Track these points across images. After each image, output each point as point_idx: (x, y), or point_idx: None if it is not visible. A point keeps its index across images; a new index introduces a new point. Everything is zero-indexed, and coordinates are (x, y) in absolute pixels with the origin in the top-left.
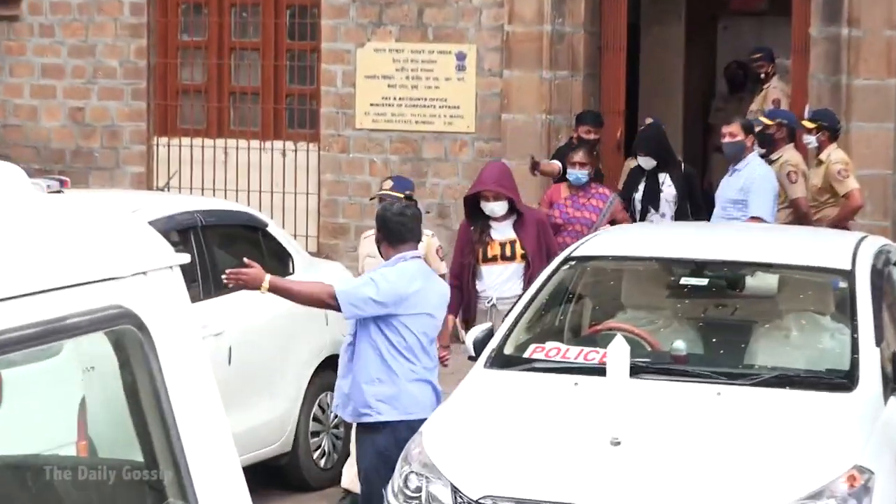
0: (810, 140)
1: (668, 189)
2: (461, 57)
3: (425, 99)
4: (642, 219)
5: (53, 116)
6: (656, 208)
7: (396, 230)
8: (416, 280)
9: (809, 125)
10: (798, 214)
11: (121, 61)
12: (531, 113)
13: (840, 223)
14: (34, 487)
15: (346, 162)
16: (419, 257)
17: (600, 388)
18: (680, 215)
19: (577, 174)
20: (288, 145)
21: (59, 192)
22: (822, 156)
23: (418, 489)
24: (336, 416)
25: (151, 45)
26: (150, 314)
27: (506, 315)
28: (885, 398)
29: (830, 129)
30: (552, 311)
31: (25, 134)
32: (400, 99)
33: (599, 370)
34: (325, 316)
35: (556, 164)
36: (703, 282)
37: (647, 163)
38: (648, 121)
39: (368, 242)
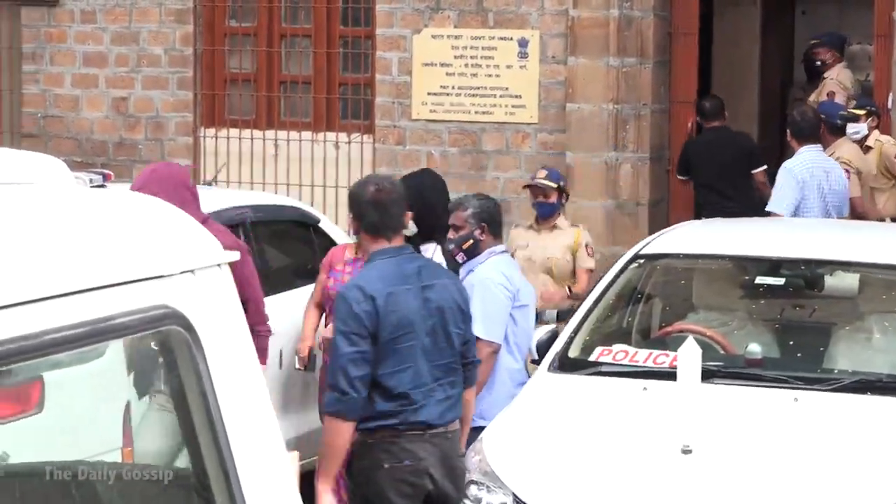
0: (859, 129)
1: None
2: (523, 43)
3: (485, 88)
4: None
5: (96, 107)
6: None
7: (500, 223)
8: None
9: (859, 112)
10: (854, 215)
11: (166, 49)
12: (597, 102)
13: None
14: (78, 494)
15: (402, 154)
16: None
17: (670, 394)
18: None
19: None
20: (341, 137)
21: (102, 186)
22: (870, 141)
23: (478, 499)
24: None
25: (198, 32)
26: (197, 314)
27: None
28: None
29: (877, 112)
30: (619, 311)
31: (67, 125)
32: (459, 88)
33: (669, 374)
34: None
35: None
36: (780, 281)
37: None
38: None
39: (519, 234)
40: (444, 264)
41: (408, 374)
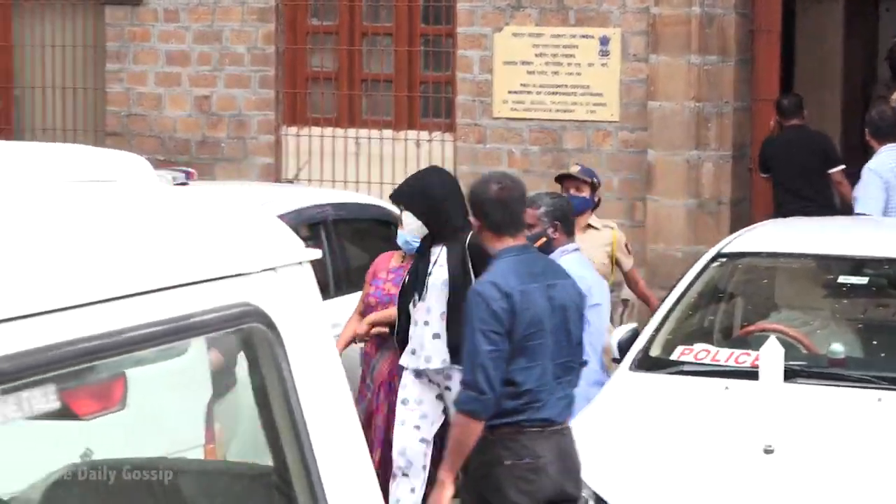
0: None
1: (438, 270)
2: (605, 41)
3: (566, 86)
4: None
5: (179, 105)
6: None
7: (572, 221)
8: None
9: None
10: None
11: (248, 47)
12: (679, 100)
13: None
14: (161, 491)
15: (483, 153)
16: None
17: (752, 393)
18: None
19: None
20: (422, 135)
21: (184, 184)
22: None
23: None
24: None
25: (280, 31)
26: (279, 312)
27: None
28: None
29: None
30: (701, 310)
31: (150, 124)
32: (540, 86)
33: (751, 374)
34: None
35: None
36: (863, 280)
37: (410, 226)
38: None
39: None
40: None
41: (535, 372)
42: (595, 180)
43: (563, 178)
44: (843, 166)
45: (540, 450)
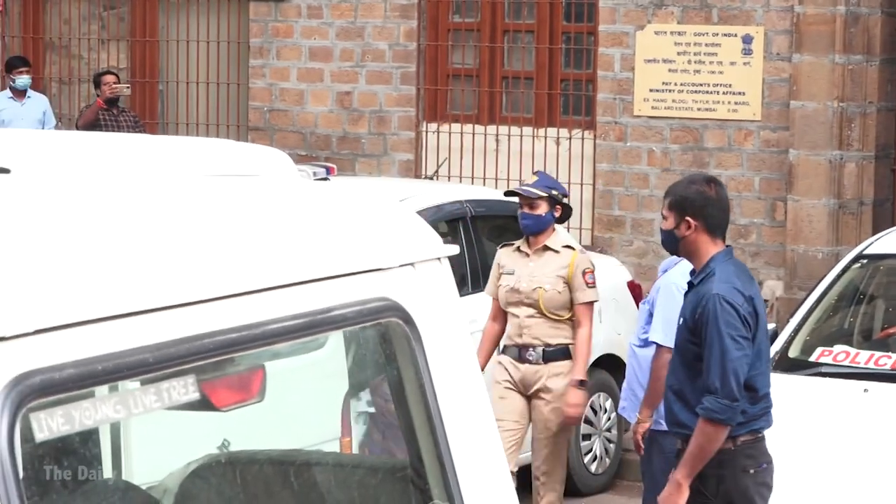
0: None
1: None
2: (748, 40)
3: (708, 85)
4: None
5: (320, 101)
6: None
7: None
8: None
9: None
10: None
11: (390, 44)
12: (822, 100)
13: None
14: (296, 483)
15: (623, 151)
16: None
17: (893, 396)
18: None
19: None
20: (562, 133)
21: (325, 179)
22: None
23: None
24: (609, 419)
25: (422, 27)
26: (417, 307)
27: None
28: None
29: None
30: (841, 312)
31: (292, 119)
32: (681, 84)
33: (892, 376)
34: (598, 313)
35: None
36: None
37: None
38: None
39: (504, 257)
40: None
41: (767, 376)
42: (555, 192)
43: (513, 194)
44: None
45: (769, 452)
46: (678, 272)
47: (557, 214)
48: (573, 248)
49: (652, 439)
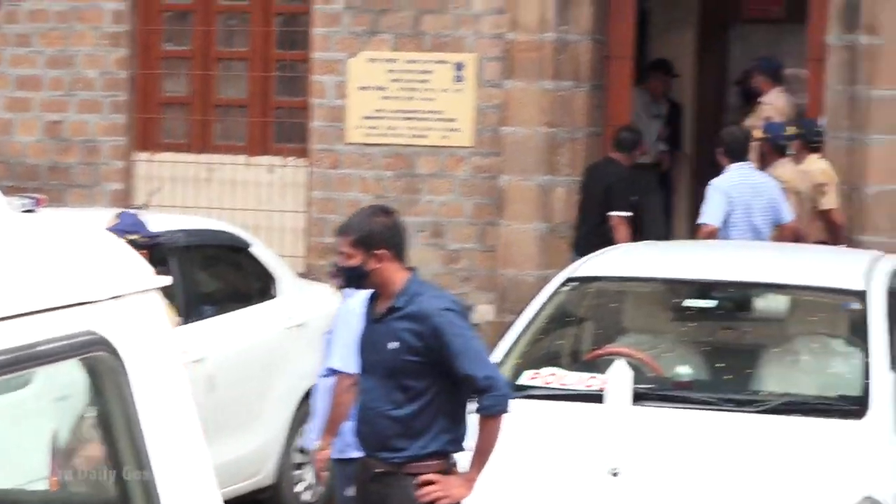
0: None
1: None
2: (460, 67)
3: (421, 111)
4: None
5: (29, 131)
6: None
7: None
8: None
9: (791, 131)
10: (790, 237)
11: (101, 72)
12: (532, 126)
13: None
14: None
15: (337, 178)
16: None
17: (600, 416)
18: None
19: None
20: (276, 161)
21: (32, 210)
22: (803, 166)
23: None
24: None
25: (133, 56)
26: (125, 340)
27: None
28: None
29: (804, 137)
30: (551, 334)
31: None
32: (394, 111)
33: (600, 397)
34: (307, 342)
35: None
36: (710, 304)
37: None
38: None
39: None
40: None
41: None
42: (136, 236)
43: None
44: (626, 213)
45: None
46: (356, 300)
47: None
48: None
49: (339, 467)
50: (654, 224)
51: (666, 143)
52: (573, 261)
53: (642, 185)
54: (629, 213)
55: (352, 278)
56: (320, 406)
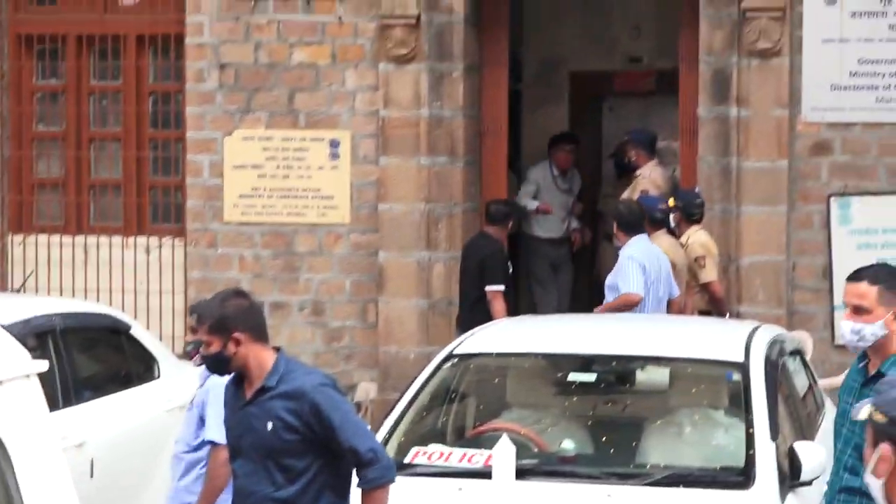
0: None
1: None
2: (335, 144)
3: (297, 189)
4: None
5: None
6: None
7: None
8: None
9: (671, 203)
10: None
11: None
12: (409, 202)
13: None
14: None
15: (215, 258)
16: None
17: (485, 493)
18: None
19: None
20: (152, 241)
21: None
22: (682, 238)
23: None
24: None
25: (5, 137)
26: (4, 426)
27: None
28: (783, 496)
29: (683, 209)
30: (434, 411)
31: None
32: (271, 190)
33: (485, 473)
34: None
35: None
36: (592, 377)
37: None
38: None
39: None
40: None
41: None
42: None
43: None
44: (499, 287)
45: None
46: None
47: None
48: None
49: None
50: (562, 300)
51: (579, 220)
52: (457, 337)
53: (553, 258)
54: (503, 287)
55: (214, 365)
56: (177, 483)
